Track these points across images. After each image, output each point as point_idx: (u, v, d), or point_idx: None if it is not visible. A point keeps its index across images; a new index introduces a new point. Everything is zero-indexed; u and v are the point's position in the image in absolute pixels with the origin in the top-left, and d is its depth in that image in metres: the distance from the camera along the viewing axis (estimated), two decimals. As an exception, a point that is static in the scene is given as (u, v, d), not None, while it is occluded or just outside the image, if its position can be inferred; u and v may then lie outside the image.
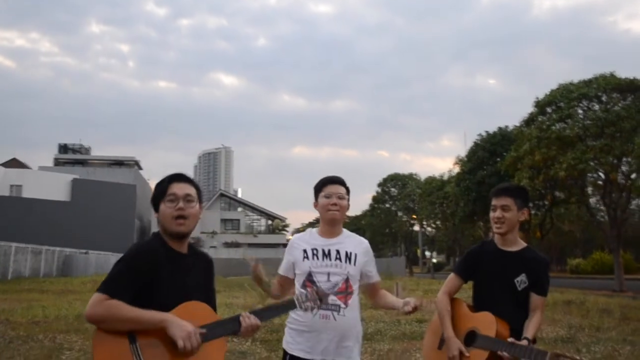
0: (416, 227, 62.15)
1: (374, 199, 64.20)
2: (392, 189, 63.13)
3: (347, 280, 3.05)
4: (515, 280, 3.01)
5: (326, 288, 2.93)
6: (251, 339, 8.66)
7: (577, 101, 24.49)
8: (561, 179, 23.80)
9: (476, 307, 3.13)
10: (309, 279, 3.05)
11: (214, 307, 2.57)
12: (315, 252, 3.10)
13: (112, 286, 2.29)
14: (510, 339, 2.81)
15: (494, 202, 3.14)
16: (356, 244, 3.19)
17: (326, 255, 3.08)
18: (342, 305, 3.00)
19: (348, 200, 3.24)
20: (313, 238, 3.19)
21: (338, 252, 3.10)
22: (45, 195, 46.39)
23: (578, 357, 2.46)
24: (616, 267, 25.12)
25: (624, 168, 24.12)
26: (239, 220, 73.12)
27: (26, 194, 46.73)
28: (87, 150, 72.52)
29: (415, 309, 2.97)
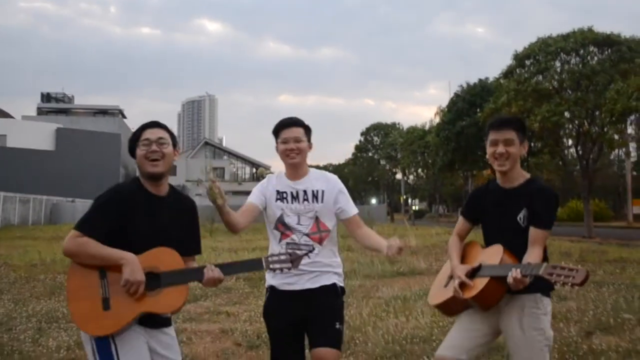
0: (398, 176, 63.29)
1: (357, 147, 65.07)
2: (375, 138, 63.96)
3: (317, 220, 3.04)
4: (518, 218, 2.81)
5: (297, 231, 3.02)
6: (235, 277, 9.53)
7: (554, 55, 25.01)
8: (536, 130, 24.58)
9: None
10: (281, 221, 3.06)
11: (198, 248, 2.80)
12: (284, 195, 3.09)
13: (86, 224, 2.52)
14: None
15: (495, 135, 2.85)
16: (323, 180, 3.13)
17: (295, 197, 3.06)
18: (317, 245, 3.02)
19: (309, 139, 3.15)
20: (281, 181, 3.14)
21: (305, 192, 3.07)
22: (30, 144, 46.09)
23: (574, 267, 2.39)
24: (586, 215, 26.23)
25: (597, 121, 24.85)
26: (223, 168, 73.50)
27: (10, 143, 46.46)
28: (70, 99, 71.75)
29: (400, 250, 2.83)
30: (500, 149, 2.80)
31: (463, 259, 2.98)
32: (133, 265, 2.44)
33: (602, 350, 4.88)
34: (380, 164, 64.14)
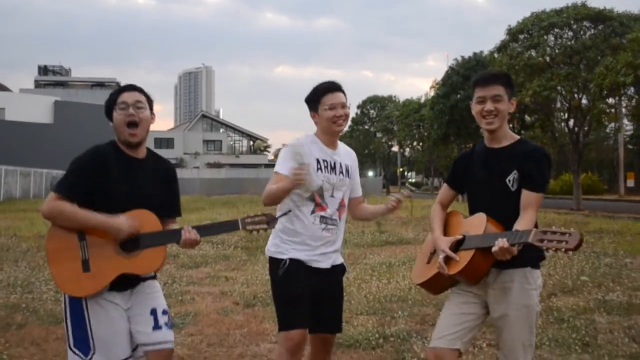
0: (394, 148, 63.89)
1: (353, 120, 65.47)
2: (372, 111, 64.42)
3: (343, 195, 3.01)
4: (507, 180, 2.61)
5: (331, 204, 2.94)
6: (233, 246, 10.19)
7: (547, 30, 25.35)
8: (527, 104, 25.08)
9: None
10: (319, 193, 2.92)
11: (177, 210, 2.80)
12: (326, 163, 2.95)
13: (64, 186, 2.52)
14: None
15: (481, 92, 2.66)
16: (348, 155, 3.08)
17: (332, 168, 2.95)
18: (339, 220, 2.99)
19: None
20: (318, 148, 2.96)
21: (341, 165, 2.98)
22: (28, 117, 46.05)
23: (566, 231, 2.21)
24: (575, 188, 26.89)
25: (586, 95, 25.32)
26: (221, 141, 73.95)
27: (9, 116, 46.48)
28: (67, 72, 71.87)
29: (399, 202, 2.90)
30: (489, 106, 2.63)
31: (444, 231, 2.78)
32: (115, 228, 2.49)
33: (557, 307, 5.52)
34: (376, 136, 64.62)
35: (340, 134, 3.01)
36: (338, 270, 3.04)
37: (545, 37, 25.54)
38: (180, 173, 48.84)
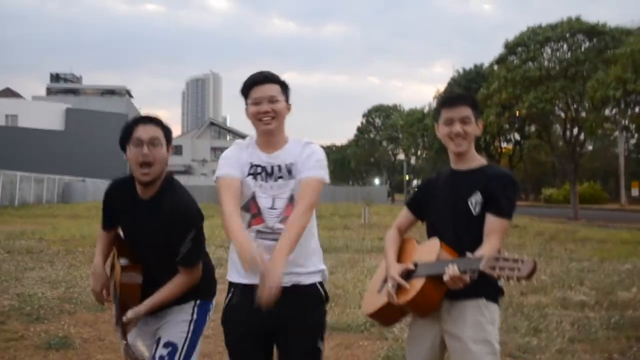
0: (400, 156, 65.05)
1: (359, 129, 66.79)
2: (377, 120, 65.70)
3: (291, 199, 2.43)
4: (469, 202, 2.45)
5: (270, 216, 2.39)
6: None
7: (542, 44, 26.42)
8: (523, 116, 26.12)
9: None
10: (253, 200, 2.44)
11: (183, 259, 2.48)
12: (258, 169, 2.48)
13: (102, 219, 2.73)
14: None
15: (449, 114, 2.50)
16: (297, 149, 2.50)
17: (269, 174, 2.47)
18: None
19: (287, 99, 2.53)
20: (253, 151, 2.53)
21: (279, 167, 2.47)
22: (40, 124, 47.24)
23: (518, 257, 2.04)
24: (572, 197, 27.88)
25: (580, 107, 26.34)
26: (228, 148, 75.15)
27: (21, 123, 47.63)
28: (78, 79, 73.52)
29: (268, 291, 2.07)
30: (457, 128, 2.48)
31: (399, 258, 2.60)
32: (93, 277, 2.70)
33: (519, 303, 6.52)
34: (382, 145, 65.78)
35: (275, 134, 2.50)
36: (306, 294, 2.42)
37: (541, 50, 26.62)
38: (188, 180, 49.78)
